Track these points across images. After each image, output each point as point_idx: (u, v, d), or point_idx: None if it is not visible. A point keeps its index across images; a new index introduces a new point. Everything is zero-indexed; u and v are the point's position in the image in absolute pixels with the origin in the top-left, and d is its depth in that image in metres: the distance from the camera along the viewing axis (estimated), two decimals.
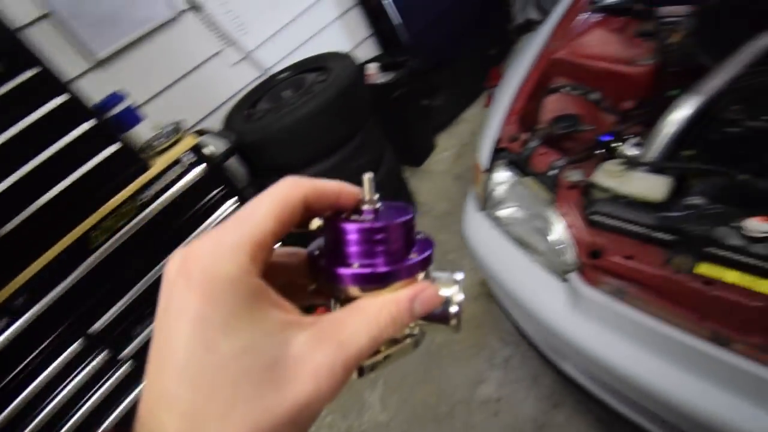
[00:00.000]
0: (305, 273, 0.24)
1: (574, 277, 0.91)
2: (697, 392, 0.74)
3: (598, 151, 1.10)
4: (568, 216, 0.95)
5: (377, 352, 0.23)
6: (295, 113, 1.65)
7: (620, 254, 0.86)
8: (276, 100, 1.91)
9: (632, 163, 0.95)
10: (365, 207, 0.24)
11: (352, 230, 0.22)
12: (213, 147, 1.60)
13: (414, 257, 0.23)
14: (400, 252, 0.23)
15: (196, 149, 1.46)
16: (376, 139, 2.00)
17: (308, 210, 0.22)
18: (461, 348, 1.67)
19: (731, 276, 0.76)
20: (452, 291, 0.24)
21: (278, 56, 2.27)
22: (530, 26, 3.23)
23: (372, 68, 2.32)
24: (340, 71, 1.78)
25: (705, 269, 0.78)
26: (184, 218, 1.45)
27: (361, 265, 0.22)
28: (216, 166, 1.53)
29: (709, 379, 0.75)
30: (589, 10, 1.37)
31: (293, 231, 0.22)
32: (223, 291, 0.17)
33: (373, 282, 0.22)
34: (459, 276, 0.25)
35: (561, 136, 1.19)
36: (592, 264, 0.90)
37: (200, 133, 1.73)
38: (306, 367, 0.18)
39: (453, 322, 0.24)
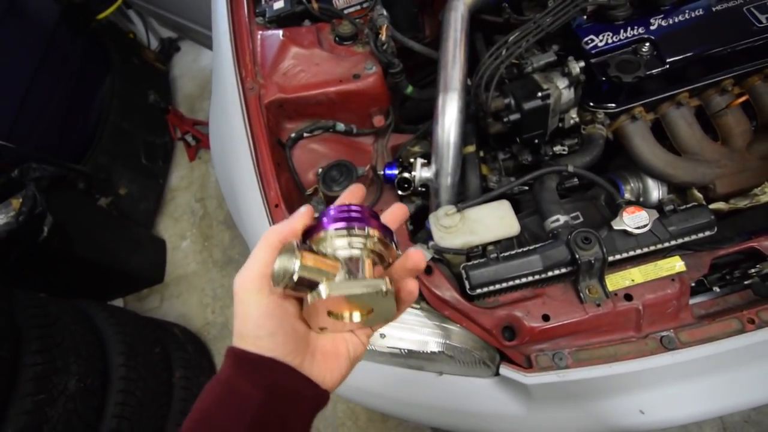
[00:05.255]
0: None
1: (506, 370, 0.69)
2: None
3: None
4: (448, 309, 0.70)
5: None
6: None
7: (533, 320, 0.67)
8: None
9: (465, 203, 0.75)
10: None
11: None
12: None
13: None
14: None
15: None
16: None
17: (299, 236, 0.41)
18: None
19: (636, 275, 0.67)
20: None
21: None
22: (173, 46, 2.69)
23: None
24: None
25: (613, 282, 0.68)
26: None
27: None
28: None
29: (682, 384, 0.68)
30: (260, 29, 1.04)
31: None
32: (247, 297, 0.39)
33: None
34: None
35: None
36: (513, 346, 0.69)
37: None
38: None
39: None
